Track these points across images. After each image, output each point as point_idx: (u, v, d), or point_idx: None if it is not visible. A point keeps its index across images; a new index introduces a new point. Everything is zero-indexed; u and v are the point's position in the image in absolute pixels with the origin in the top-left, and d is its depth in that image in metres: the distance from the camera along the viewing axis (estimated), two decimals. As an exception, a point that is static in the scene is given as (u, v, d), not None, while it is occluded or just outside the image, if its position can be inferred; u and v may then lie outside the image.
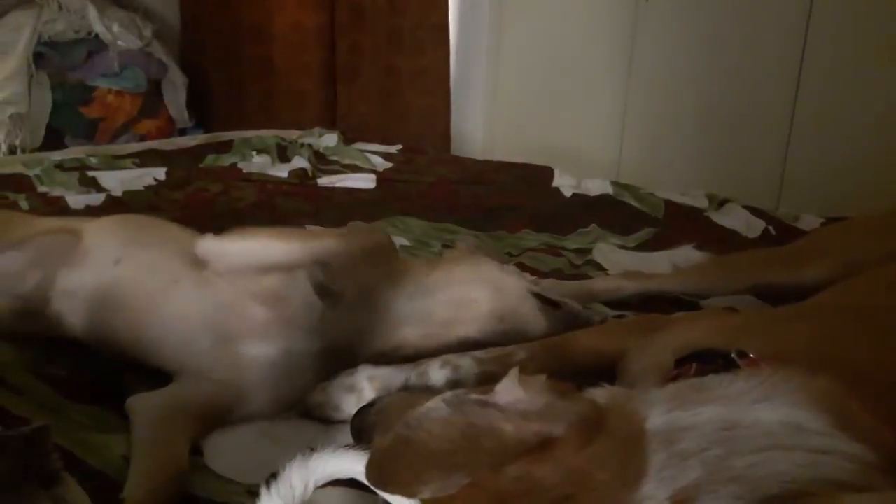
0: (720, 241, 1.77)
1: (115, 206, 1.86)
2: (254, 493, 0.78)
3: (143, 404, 0.99)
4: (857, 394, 0.61)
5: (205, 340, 1.05)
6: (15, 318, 1.14)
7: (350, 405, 1.00)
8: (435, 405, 0.60)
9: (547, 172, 2.29)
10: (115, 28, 3.34)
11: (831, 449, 0.54)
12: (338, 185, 2.16)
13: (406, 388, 1.01)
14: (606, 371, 0.99)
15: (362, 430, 0.88)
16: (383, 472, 0.59)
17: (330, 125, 3.41)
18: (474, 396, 0.60)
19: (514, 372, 0.61)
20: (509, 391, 0.59)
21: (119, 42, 3.35)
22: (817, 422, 0.56)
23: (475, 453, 0.55)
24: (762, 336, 0.85)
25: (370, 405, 0.91)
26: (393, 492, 0.59)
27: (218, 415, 1.02)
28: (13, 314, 1.14)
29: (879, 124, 2.73)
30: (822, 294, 1.16)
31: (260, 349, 1.04)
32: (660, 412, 0.57)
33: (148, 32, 3.47)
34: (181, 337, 1.06)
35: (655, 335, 0.96)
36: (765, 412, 0.57)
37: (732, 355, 0.69)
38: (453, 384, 0.97)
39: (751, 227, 1.90)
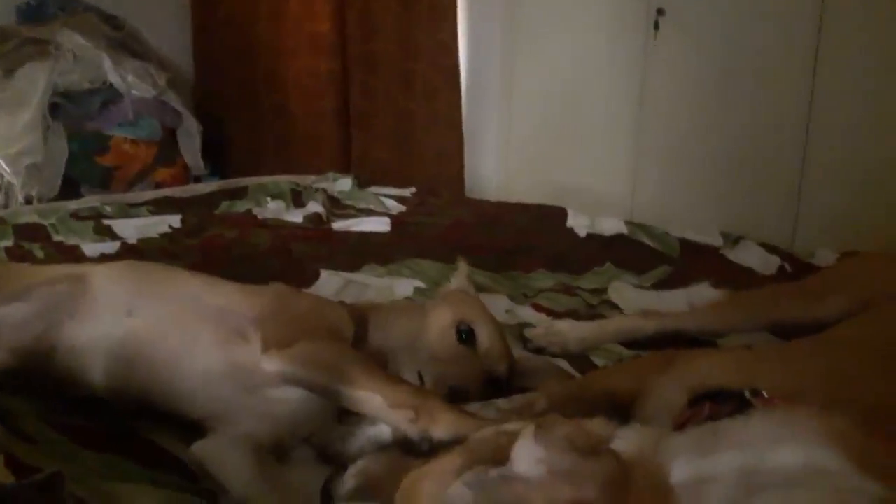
0: (736, 278, 1.76)
1: (130, 253, 1.87)
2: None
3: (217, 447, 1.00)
4: (875, 431, 0.60)
5: (229, 390, 1.06)
6: (17, 373, 1.11)
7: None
8: (458, 491, 0.59)
9: (560, 213, 2.29)
10: (130, 78, 3.39)
11: (854, 489, 0.53)
12: (352, 229, 2.17)
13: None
14: (624, 409, 0.98)
15: (338, 497, 0.85)
16: None
17: (345, 169, 3.44)
18: (494, 473, 0.59)
19: (528, 431, 0.60)
20: (527, 453, 0.59)
21: (134, 91, 3.40)
22: (838, 463, 0.55)
23: None
24: (776, 372, 0.84)
25: (342, 469, 0.90)
26: None
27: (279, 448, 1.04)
28: (15, 369, 1.10)
29: (894, 159, 2.72)
30: (837, 328, 1.15)
31: (285, 392, 1.05)
32: (681, 464, 0.57)
33: (162, 81, 3.52)
34: (208, 390, 1.06)
35: (668, 373, 0.96)
36: (784, 456, 0.56)
37: (746, 394, 0.68)
38: None
39: (766, 263, 1.89)
